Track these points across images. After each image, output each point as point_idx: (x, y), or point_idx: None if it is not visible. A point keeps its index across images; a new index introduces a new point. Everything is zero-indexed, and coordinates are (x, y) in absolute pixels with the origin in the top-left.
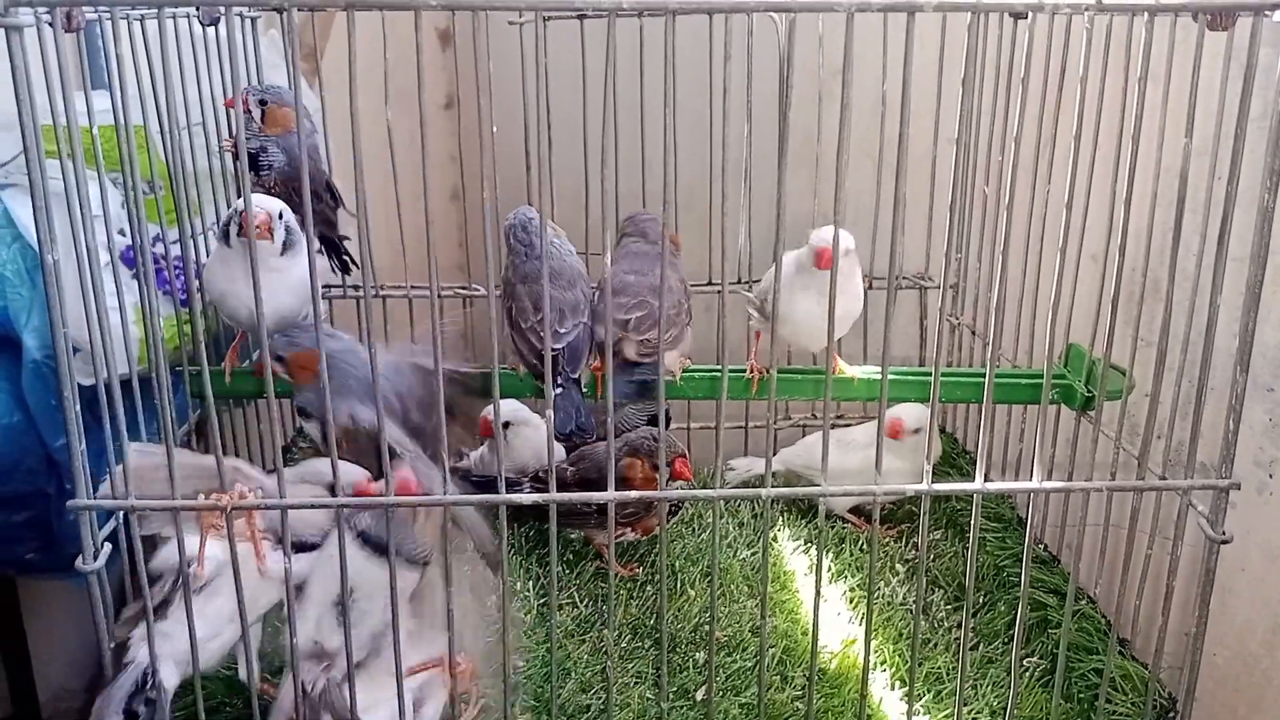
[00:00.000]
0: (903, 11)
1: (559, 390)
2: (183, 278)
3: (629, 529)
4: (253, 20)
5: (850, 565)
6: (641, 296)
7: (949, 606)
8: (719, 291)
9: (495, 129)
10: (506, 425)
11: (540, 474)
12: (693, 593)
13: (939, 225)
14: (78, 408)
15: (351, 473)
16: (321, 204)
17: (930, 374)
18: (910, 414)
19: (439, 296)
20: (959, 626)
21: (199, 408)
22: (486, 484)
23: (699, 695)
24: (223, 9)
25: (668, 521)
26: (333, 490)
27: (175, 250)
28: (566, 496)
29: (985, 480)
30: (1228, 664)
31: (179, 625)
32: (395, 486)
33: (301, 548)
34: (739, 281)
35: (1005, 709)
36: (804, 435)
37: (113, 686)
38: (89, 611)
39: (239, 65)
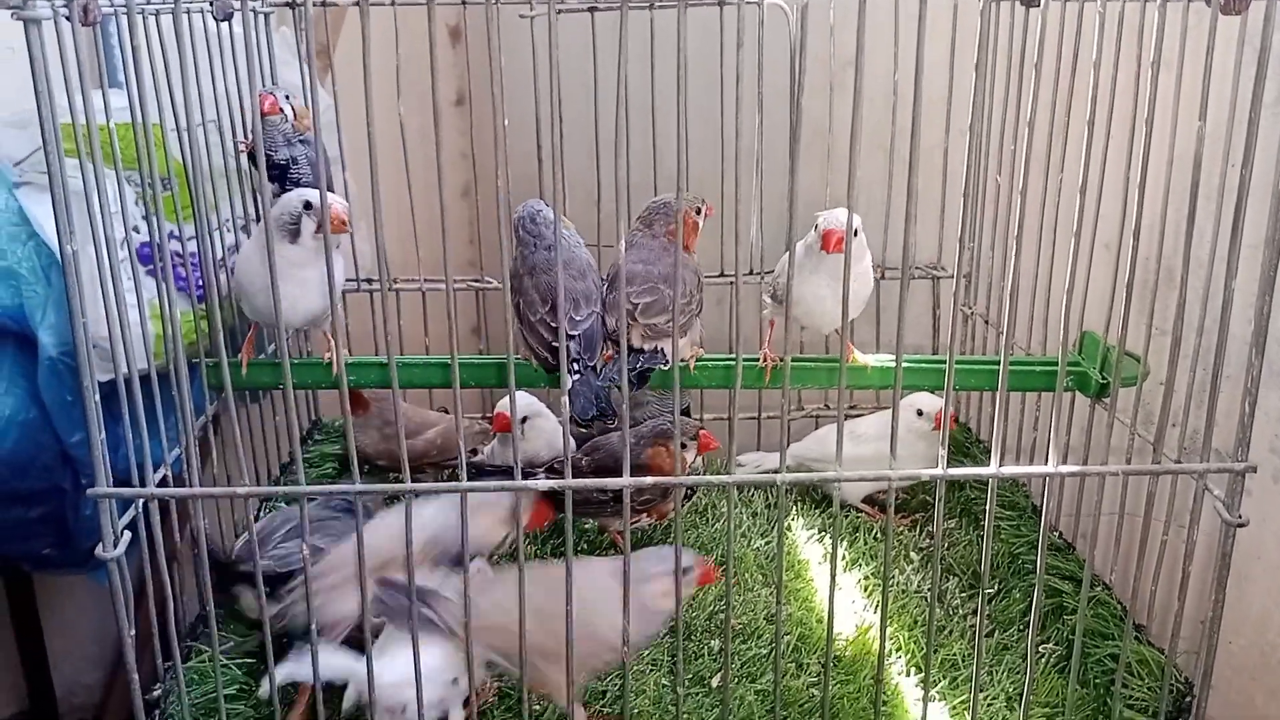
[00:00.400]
0: None
1: (576, 376)
2: (199, 274)
3: (644, 514)
4: (265, 16)
5: (864, 554)
6: (652, 283)
7: (964, 594)
8: (731, 282)
9: (506, 122)
10: (524, 420)
11: (554, 465)
12: None
13: (951, 215)
14: (97, 397)
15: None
16: None
17: (944, 362)
18: (926, 403)
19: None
20: (974, 614)
21: (215, 400)
22: (501, 475)
23: (714, 682)
24: (238, 2)
25: (682, 506)
26: None
27: (190, 247)
28: (582, 483)
29: (1000, 465)
30: (1244, 652)
31: None
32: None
33: None
34: (751, 273)
35: (1021, 695)
36: (816, 427)
37: None
38: (104, 607)
39: (255, 61)
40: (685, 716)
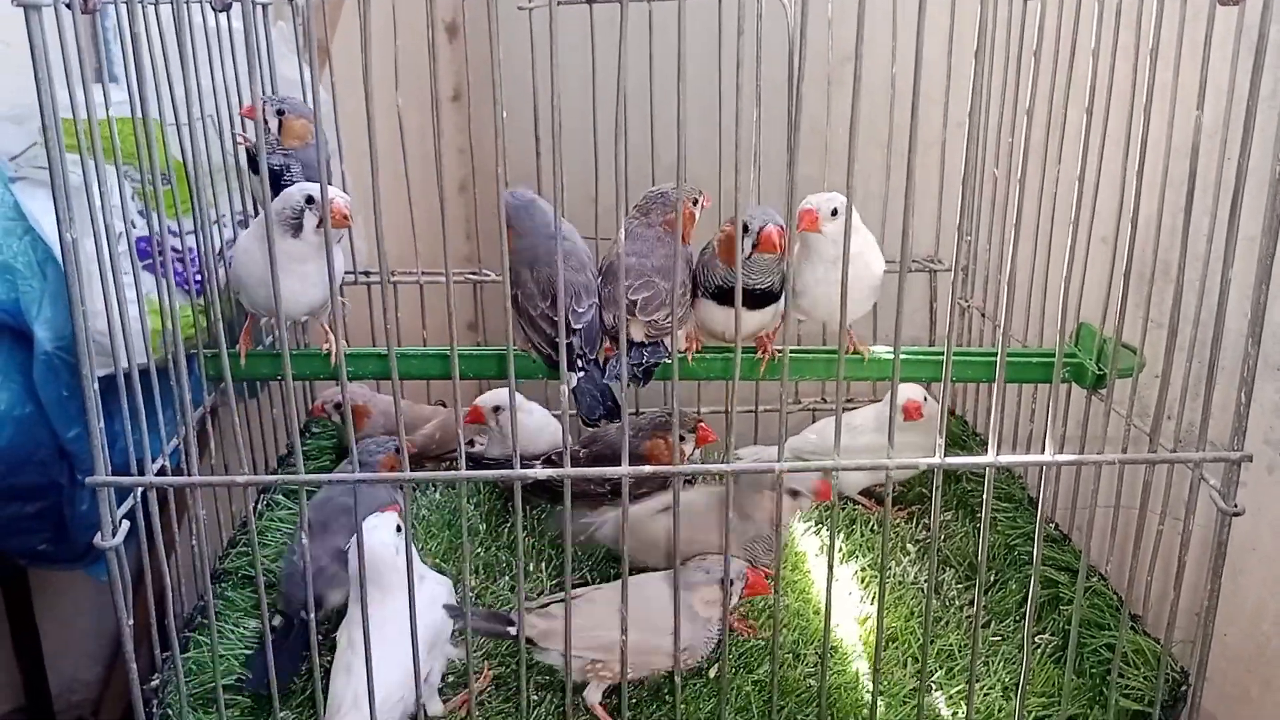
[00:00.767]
0: None
1: (581, 374)
2: (196, 269)
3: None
4: (263, 7)
5: (861, 546)
6: (646, 276)
7: (960, 585)
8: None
9: (505, 114)
10: (497, 410)
11: (552, 456)
12: None
13: (949, 209)
14: (96, 384)
15: None
16: None
17: (941, 353)
18: (921, 394)
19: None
20: (970, 605)
21: (213, 391)
22: (498, 466)
23: (711, 672)
24: None
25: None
26: None
27: (188, 242)
28: (581, 471)
29: (997, 454)
30: (1239, 644)
31: None
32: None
33: None
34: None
35: (1017, 685)
36: (813, 420)
37: None
38: (100, 603)
39: (254, 54)
40: (682, 706)
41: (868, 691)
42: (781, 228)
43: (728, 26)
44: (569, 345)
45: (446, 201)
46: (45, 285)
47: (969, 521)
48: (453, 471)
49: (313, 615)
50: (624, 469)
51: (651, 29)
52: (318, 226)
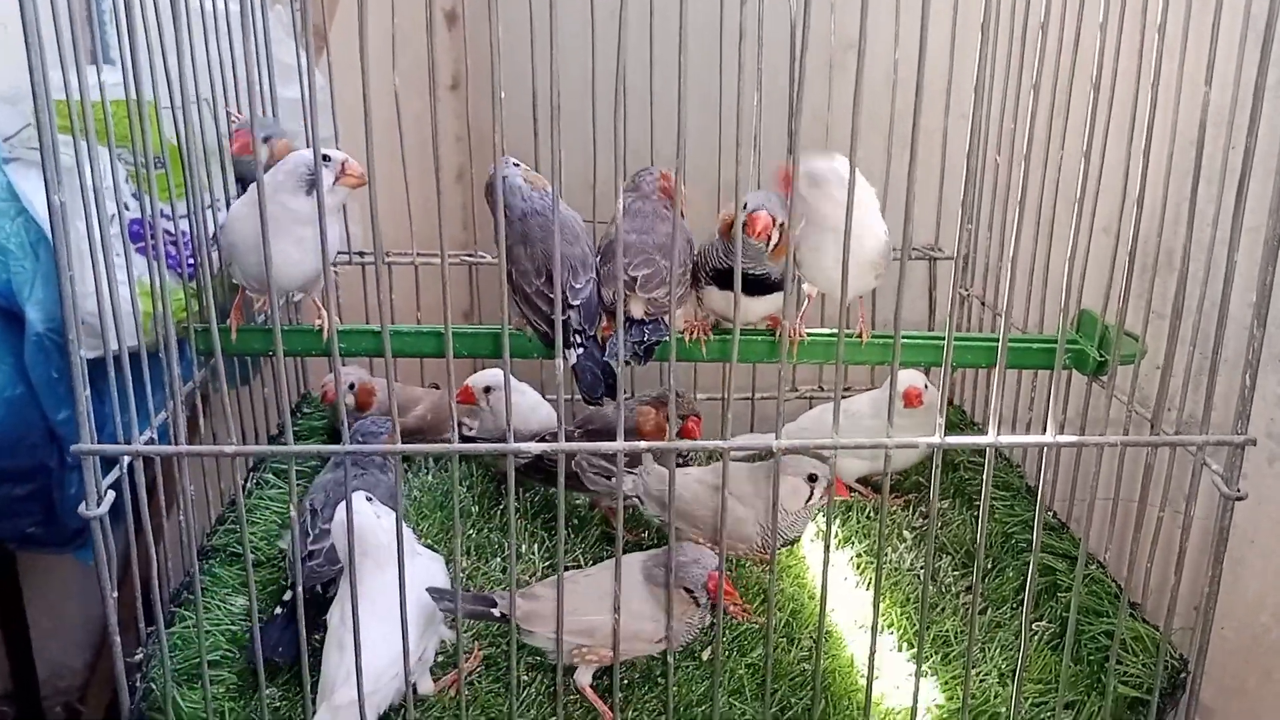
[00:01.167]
0: None
1: (580, 350)
2: (189, 252)
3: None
4: None
5: (857, 532)
6: (647, 254)
7: (956, 572)
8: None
9: (504, 94)
10: (488, 390)
11: (545, 437)
12: None
13: (949, 197)
14: (83, 351)
15: None
16: None
17: (941, 338)
18: (905, 382)
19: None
20: (966, 591)
21: (203, 366)
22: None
23: (704, 655)
24: None
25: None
26: None
27: (181, 225)
28: (576, 446)
29: (998, 435)
30: (1237, 636)
31: None
32: None
33: None
34: None
35: (1014, 672)
36: (810, 407)
37: None
38: (89, 589)
39: (251, 37)
40: (675, 689)
41: (862, 676)
42: (773, 218)
43: (729, 12)
44: (566, 322)
45: (444, 191)
46: (38, 266)
47: (966, 509)
48: (444, 444)
49: (300, 589)
50: (619, 444)
51: (652, 14)
52: (334, 183)
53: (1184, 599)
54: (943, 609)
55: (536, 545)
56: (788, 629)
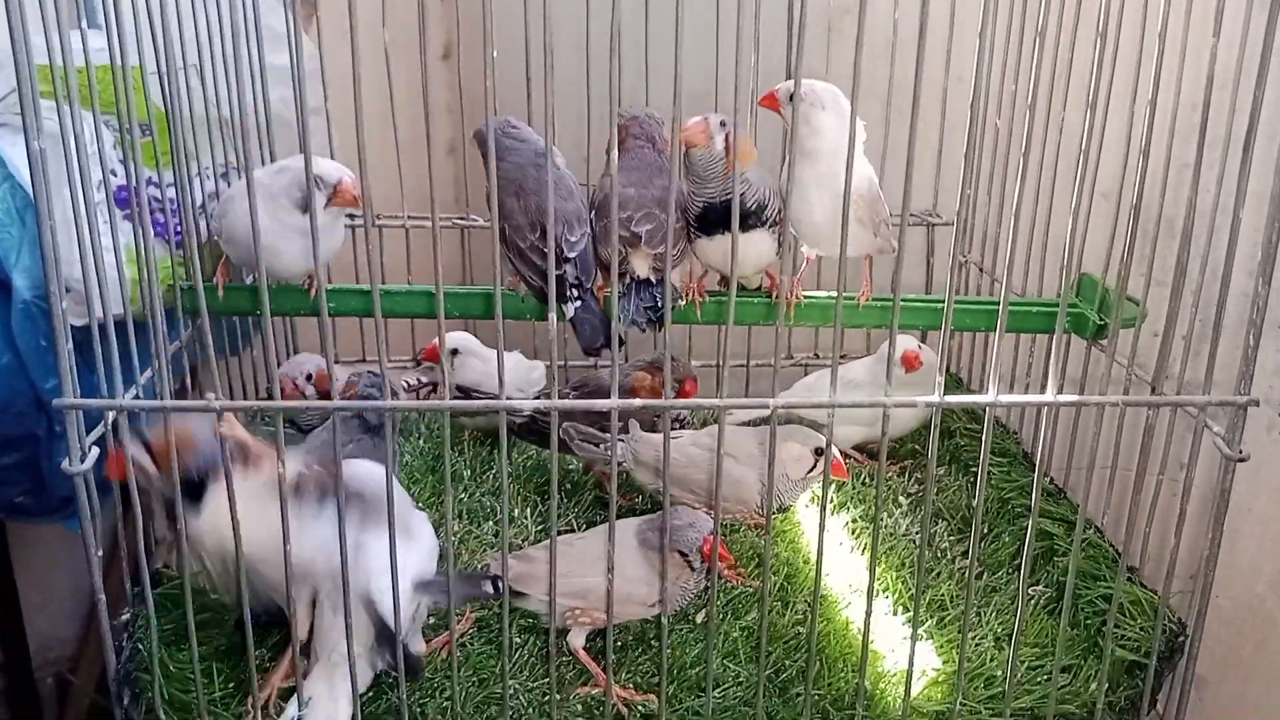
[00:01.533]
0: None
1: (578, 303)
2: (177, 220)
3: None
4: None
5: (852, 498)
6: (648, 208)
7: (952, 538)
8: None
9: (495, 53)
10: (455, 352)
11: (539, 395)
12: None
13: (948, 163)
14: (64, 304)
15: None
16: None
17: (940, 301)
18: (908, 341)
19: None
20: (962, 556)
21: (190, 326)
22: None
23: (699, 618)
24: None
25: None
26: None
27: (169, 193)
28: (570, 404)
29: (997, 394)
30: (1232, 606)
31: None
32: None
33: None
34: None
35: (1010, 636)
36: (805, 375)
37: None
38: (79, 559)
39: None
40: (669, 651)
41: (857, 639)
42: (706, 121)
43: None
44: (562, 276)
45: (435, 160)
46: (24, 233)
47: (962, 476)
48: (437, 401)
49: (289, 548)
50: (613, 401)
51: None
52: (326, 205)
53: (1181, 565)
54: (938, 574)
55: (530, 510)
56: (782, 593)
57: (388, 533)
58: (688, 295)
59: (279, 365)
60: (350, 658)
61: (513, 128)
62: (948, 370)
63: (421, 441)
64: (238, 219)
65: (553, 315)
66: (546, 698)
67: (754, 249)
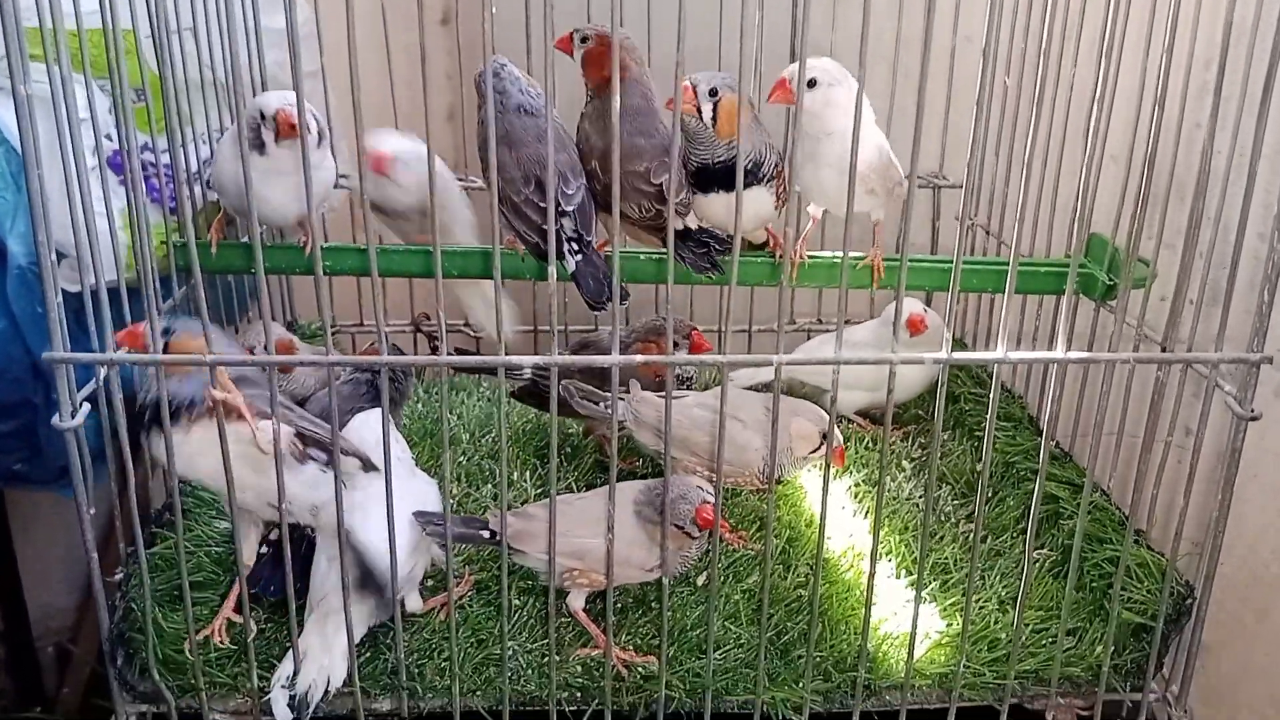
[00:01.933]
0: None
1: (579, 257)
2: (172, 185)
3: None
4: None
5: (855, 462)
6: (661, 158)
7: (956, 501)
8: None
9: (495, 9)
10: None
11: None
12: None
13: (955, 125)
14: (53, 255)
15: None
16: None
17: (947, 261)
18: (914, 305)
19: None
20: (966, 520)
21: (183, 284)
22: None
23: (699, 580)
24: None
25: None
26: None
27: (165, 158)
28: (570, 359)
29: (1006, 351)
30: (1235, 572)
31: None
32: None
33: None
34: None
35: (1013, 599)
36: (808, 339)
37: None
38: (78, 528)
39: None
40: (670, 613)
41: (859, 602)
42: (693, 87)
43: None
44: (560, 231)
45: (435, 133)
46: (19, 198)
47: (966, 440)
48: (434, 357)
49: (284, 505)
50: (614, 358)
51: None
52: (276, 140)
53: (1187, 528)
54: (942, 537)
55: (529, 473)
56: (784, 556)
57: (384, 485)
58: (784, 254)
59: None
60: (346, 609)
61: (502, 80)
62: (956, 339)
63: (420, 406)
64: (224, 167)
65: (551, 270)
66: (545, 659)
67: (752, 207)
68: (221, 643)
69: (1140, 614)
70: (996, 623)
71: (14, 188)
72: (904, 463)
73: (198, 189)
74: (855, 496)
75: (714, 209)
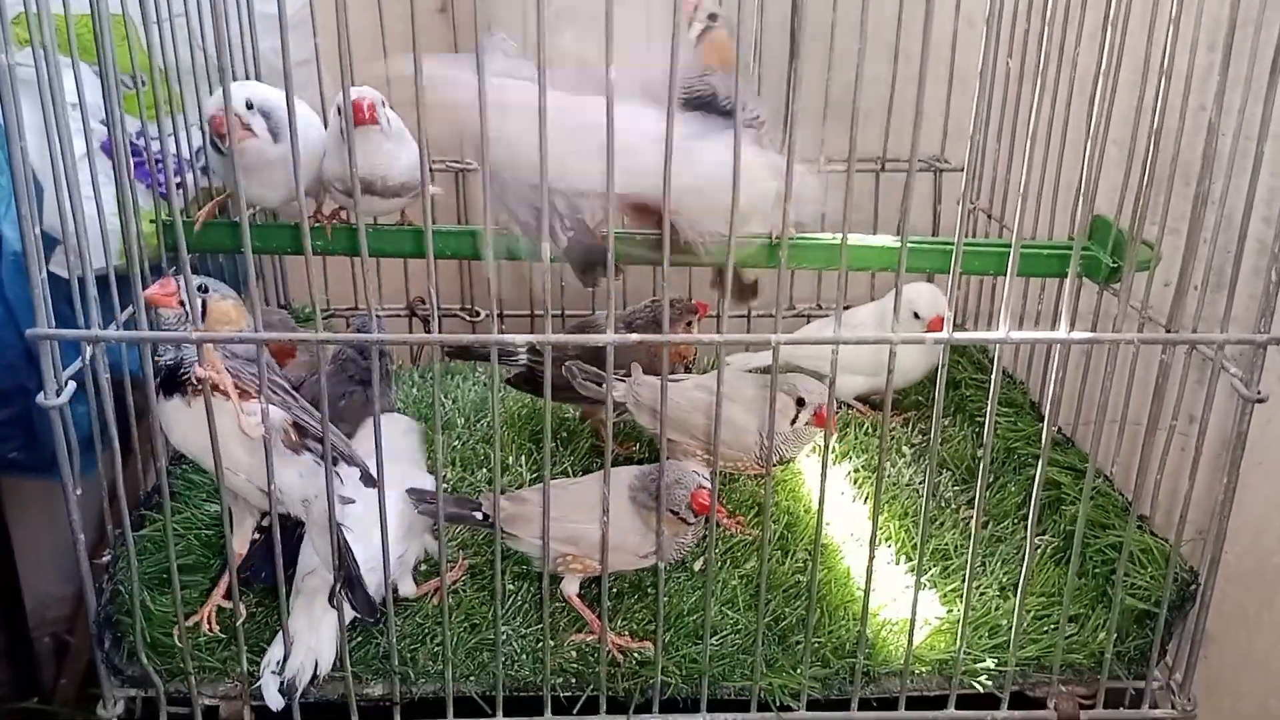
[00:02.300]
0: None
1: (570, 233)
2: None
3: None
4: None
5: (855, 447)
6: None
7: (957, 487)
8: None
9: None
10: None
11: (537, 346)
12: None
13: (956, 108)
14: (38, 229)
15: None
16: None
17: (950, 243)
18: (923, 304)
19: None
20: (967, 505)
21: (172, 263)
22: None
23: (696, 566)
24: None
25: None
26: None
27: (157, 146)
28: (563, 338)
29: (1009, 331)
30: (1239, 560)
31: None
32: None
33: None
34: None
35: (1014, 585)
36: (807, 324)
37: None
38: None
39: None
40: (665, 599)
41: (858, 588)
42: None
43: None
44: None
45: None
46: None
47: (967, 426)
48: (426, 335)
49: (274, 484)
50: (609, 336)
51: None
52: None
53: (1190, 515)
54: (942, 523)
55: (524, 458)
56: (782, 541)
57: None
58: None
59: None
60: (335, 590)
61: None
62: (959, 326)
63: (415, 390)
64: (212, 155)
65: (545, 247)
66: (540, 644)
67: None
68: (210, 630)
69: (1144, 600)
70: (997, 609)
71: (8, 174)
72: (904, 448)
73: (190, 176)
74: (854, 482)
75: None
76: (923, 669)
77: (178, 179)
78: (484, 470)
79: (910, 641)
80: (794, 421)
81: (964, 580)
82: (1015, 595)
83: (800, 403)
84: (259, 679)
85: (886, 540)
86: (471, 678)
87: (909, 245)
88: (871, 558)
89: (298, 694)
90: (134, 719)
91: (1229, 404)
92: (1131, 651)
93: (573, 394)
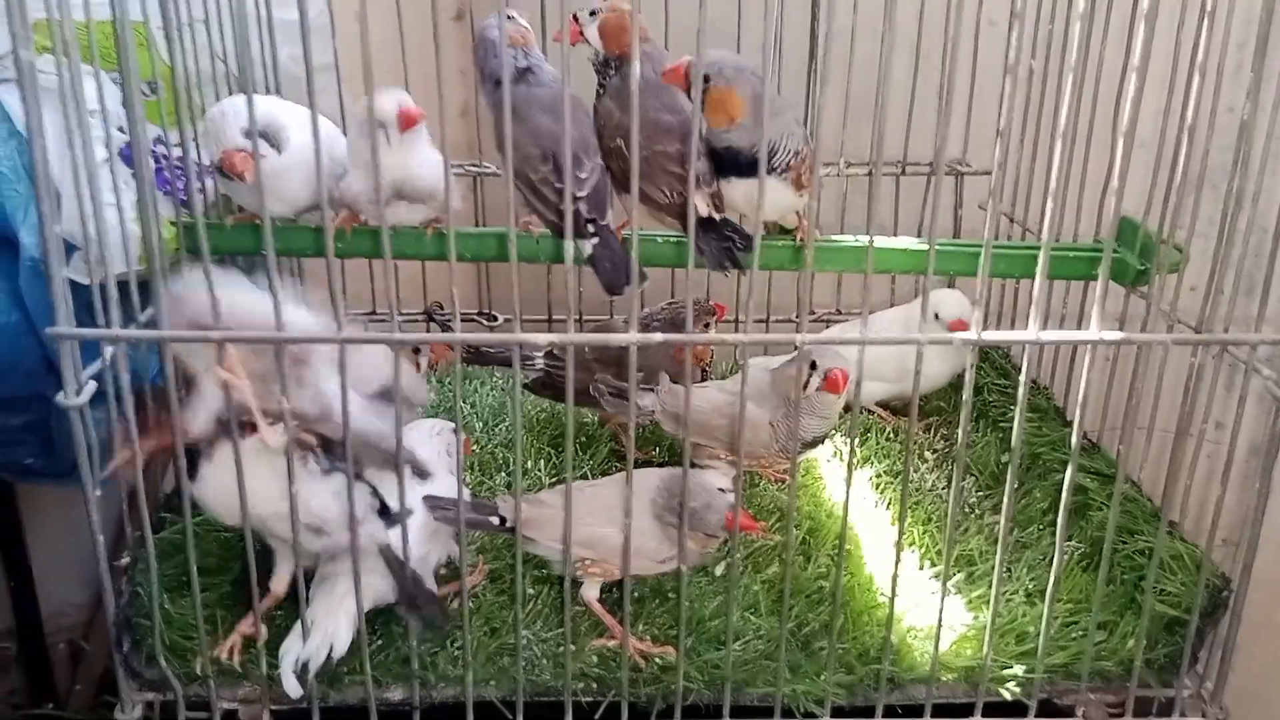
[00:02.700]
0: None
1: (595, 239)
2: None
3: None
4: None
5: (877, 452)
6: (685, 133)
7: (981, 493)
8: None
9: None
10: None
11: (555, 351)
12: None
13: (980, 111)
14: (57, 228)
15: None
16: None
17: (977, 245)
18: (946, 308)
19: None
20: (991, 511)
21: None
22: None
23: (718, 570)
24: None
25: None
26: None
27: (177, 152)
28: (584, 337)
29: (1040, 330)
30: (1266, 569)
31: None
32: None
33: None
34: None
35: (1042, 592)
36: (827, 329)
37: None
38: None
39: None
40: (687, 604)
41: (882, 594)
42: (681, 68)
43: None
44: (576, 213)
45: (449, 129)
46: (32, 190)
47: (991, 432)
48: (448, 333)
49: (294, 487)
50: (631, 336)
51: None
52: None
53: (1221, 520)
54: (966, 529)
55: (543, 462)
56: (805, 546)
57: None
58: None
59: None
60: (355, 572)
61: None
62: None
63: (433, 395)
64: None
65: (569, 246)
66: (561, 649)
67: (779, 195)
68: (232, 660)
69: (1174, 607)
70: (1024, 615)
71: (26, 180)
72: (926, 454)
73: (210, 182)
74: (877, 487)
75: (732, 194)
76: (949, 676)
77: (199, 185)
78: (502, 474)
79: (936, 648)
80: (806, 386)
81: (990, 586)
82: (1042, 602)
83: (813, 366)
84: (279, 668)
85: (910, 545)
86: (492, 682)
87: (937, 247)
88: (897, 562)
89: (311, 676)
90: None
91: (1260, 408)
92: (1161, 659)
93: (591, 399)
